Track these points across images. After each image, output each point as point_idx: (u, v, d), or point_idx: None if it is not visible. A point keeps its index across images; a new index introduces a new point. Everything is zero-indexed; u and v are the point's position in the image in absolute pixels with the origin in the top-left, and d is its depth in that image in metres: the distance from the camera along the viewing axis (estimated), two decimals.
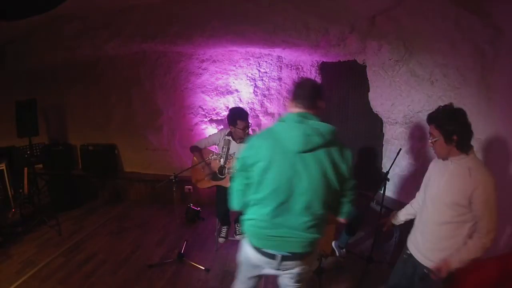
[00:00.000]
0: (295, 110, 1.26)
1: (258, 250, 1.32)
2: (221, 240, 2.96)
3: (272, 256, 1.30)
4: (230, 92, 3.99)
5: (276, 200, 1.22)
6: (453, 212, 1.36)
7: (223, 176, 2.71)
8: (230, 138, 2.68)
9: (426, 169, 2.90)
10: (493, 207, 1.32)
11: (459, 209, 1.35)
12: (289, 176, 1.18)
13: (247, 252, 1.38)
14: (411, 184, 3.08)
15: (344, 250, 2.82)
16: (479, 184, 1.29)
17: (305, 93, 1.27)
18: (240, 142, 2.70)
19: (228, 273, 2.56)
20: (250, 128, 2.62)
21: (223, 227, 3.03)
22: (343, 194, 1.35)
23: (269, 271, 1.40)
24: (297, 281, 1.42)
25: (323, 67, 3.91)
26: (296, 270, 1.36)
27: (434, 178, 1.51)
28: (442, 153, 1.42)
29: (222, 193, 2.70)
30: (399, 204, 3.16)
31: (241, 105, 3.82)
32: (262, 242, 1.31)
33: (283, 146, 1.18)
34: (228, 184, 2.65)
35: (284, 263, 1.31)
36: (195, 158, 2.82)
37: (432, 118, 1.41)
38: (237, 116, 2.55)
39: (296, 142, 1.15)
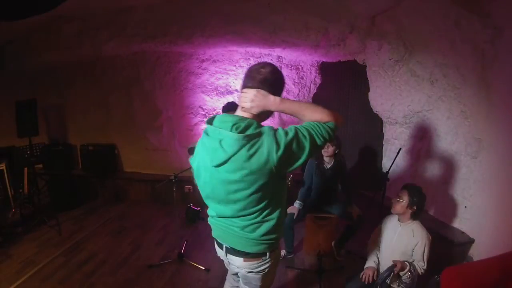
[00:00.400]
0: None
1: (215, 240, 1.39)
2: None
3: (221, 246, 1.35)
4: (230, 92, 3.99)
5: (211, 202, 1.28)
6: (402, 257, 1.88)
7: None
8: None
9: (426, 169, 2.91)
10: (427, 255, 1.83)
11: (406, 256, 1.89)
12: (213, 186, 1.20)
13: (215, 244, 1.43)
14: None
15: (343, 250, 2.82)
16: (419, 241, 1.83)
17: (242, 83, 1.18)
18: None
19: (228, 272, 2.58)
20: None
21: None
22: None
23: (232, 267, 1.41)
24: (244, 283, 1.42)
25: (323, 67, 3.92)
26: (243, 271, 1.34)
27: (387, 234, 2.02)
28: (400, 212, 1.92)
29: None
30: None
31: None
32: (215, 232, 1.37)
33: (204, 158, 1.19)
34: None
35: (229, 256, 1.33)
36: None
37: (408, 187, 1.91)
38: (230, 109, 2.56)
39: (208, 159, 1.15)
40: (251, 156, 1.05)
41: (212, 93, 4.01)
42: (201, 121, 4.10)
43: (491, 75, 2.28)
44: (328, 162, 2.64)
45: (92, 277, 2.52)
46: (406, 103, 2.99)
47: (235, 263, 1.32)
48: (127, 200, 4.32)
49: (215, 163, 1.12)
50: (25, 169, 3.62)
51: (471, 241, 2.45)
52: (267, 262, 1.29)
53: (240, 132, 1.06)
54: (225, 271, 2.62)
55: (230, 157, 1.07)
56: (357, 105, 3.72)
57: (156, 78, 4.09)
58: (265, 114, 1.20)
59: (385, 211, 3.07)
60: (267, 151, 1.05)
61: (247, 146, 1.06)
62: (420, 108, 2.87)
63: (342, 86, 3.83)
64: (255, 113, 1.16)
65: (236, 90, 3.98)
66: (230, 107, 2.61)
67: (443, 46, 2.55)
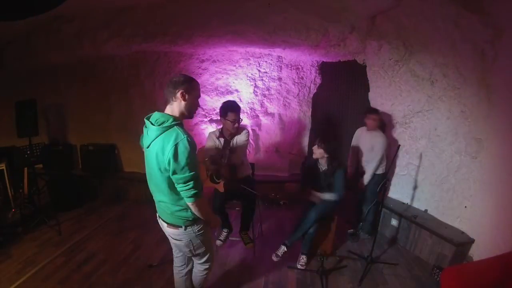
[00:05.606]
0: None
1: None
2: (218, 243, 2.89)
3: (156, 211, 1.71)
4: (230, 92, 3.99)
5: (148, 179, 1.63)
6: None
7: (218, 181, 2.67)
8: (222, 139, 2.63)
9: (425, 169, 2.91)
10: None
11: None
12: (146, 164, 1.58)
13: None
14: (411, 184, 3.08)
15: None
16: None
17: (166, 89, 1.53)
18: (231, 139, 2.64)
19: (228, 273, 2.57)
20: (239, 122, 2.57)
21: (223, 230, 2.99)
22: (177, 185, 1.47)
23: (167, 232, 1.69)
24: (175, 243, 1.72)
25: (323, 67, 3.92)
26: (172, 240, 1.69)
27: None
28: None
29: (219, 197, 2.69)
30: (399, 204, 3.16)
31: (241, 105, 3.82)
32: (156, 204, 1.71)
33: (144, 143, 1.57)
34: (222, 190, 2.63)
35: (159, 220, 1.69)
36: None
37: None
38: (229, 109, 2.54)
39: (144, 142, 1.55)
40: (163, 146, 1.39)
41: (212, 93, 4.01)
42: (201, 121, 4.10)
43: (491, 75, 2.28)
44: (322, 165, 2.65)
45: (92, 277, 2.52)
46: (406, 103, 2.99)
47: (163, 227, 1.67)
48: (127, 200, 4.32)
49: (146, 146, 1.52)
50: (25, 169, 3.62)
51: (471, 241, 2.45)
52: (185, 233, 1.59)
53: (158, 125, 1.43)
54: (224, 270, 2.65)
55: (151, 142, 1.46)
56: (357, 105, 3.72)
57: (156, 78, 4.09)
58: (182, 114, 1.52)
59: (385, 210, 3.07)
60: (167, 151, 1.37)
61: (162, 135, 1.41)
62: (420, 108, 2.88)
63: (342, 86, 3.83)
64: (176, 114, 1.51)
65: (236, 90, 3.98)
66: (230, 104, 2.61)
67: (443, 46, 2.55)
